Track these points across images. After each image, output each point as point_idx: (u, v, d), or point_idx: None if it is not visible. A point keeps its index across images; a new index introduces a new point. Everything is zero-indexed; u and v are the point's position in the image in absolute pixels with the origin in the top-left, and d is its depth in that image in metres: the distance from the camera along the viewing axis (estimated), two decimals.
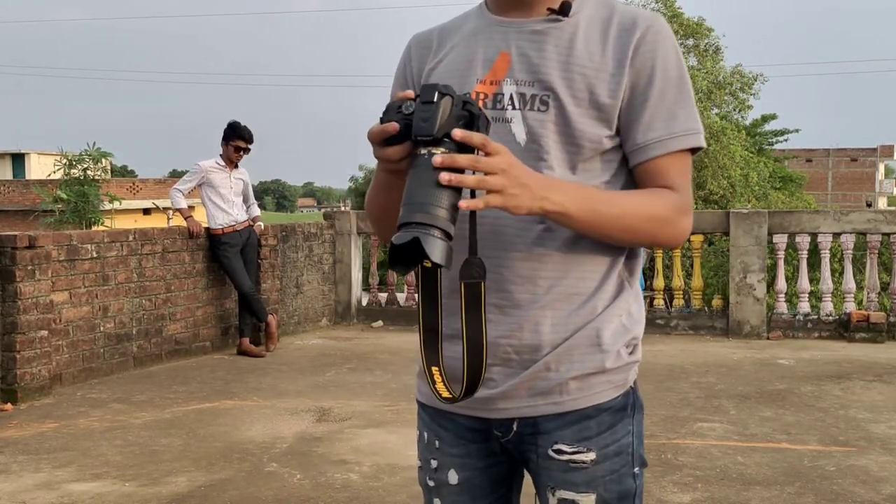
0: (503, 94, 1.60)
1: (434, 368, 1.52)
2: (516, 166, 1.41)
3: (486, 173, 1.37)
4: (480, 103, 1.58)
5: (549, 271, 1.58)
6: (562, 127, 1.57)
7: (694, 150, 1.62)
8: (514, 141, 1.57)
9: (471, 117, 1.40)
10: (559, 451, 1.61)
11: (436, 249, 1.32)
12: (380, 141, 1.44)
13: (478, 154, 1.39)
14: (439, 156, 1.35)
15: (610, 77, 1.57)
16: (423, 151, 1.37)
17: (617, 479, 1.62)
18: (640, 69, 1.57)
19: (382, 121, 1.43)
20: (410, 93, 1.43)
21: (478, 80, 1.62)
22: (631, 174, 1.63)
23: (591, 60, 1.57)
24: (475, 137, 1.37)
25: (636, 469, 1.65)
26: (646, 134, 1.58)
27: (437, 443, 1.71)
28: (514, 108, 1.59)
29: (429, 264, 1.40)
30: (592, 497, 1.61)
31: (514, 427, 1.63)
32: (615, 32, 1.59)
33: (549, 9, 1.61)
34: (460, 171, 1.36)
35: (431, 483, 1.73)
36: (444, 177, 1.34)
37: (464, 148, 1.37)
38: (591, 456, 1.61)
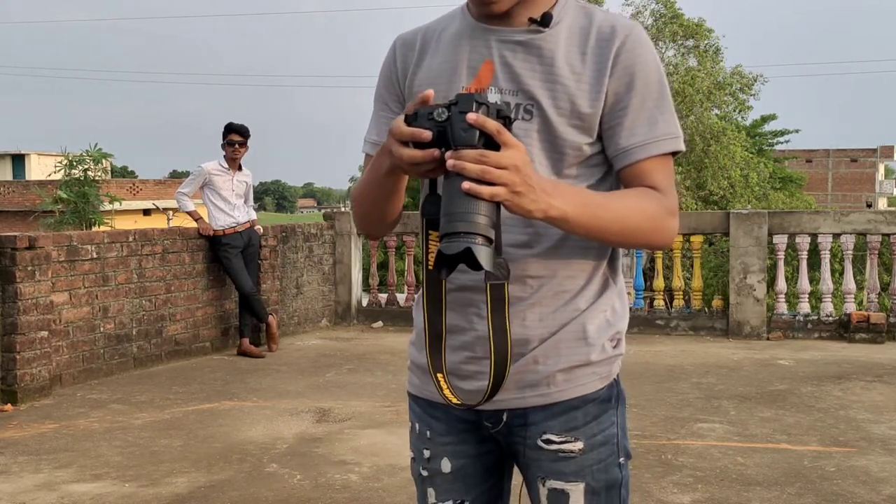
0: None
1: (439, 375, 1.55)
2: (528, 165, 1.42)
3: (495, 167, 1.37)
4: None
5: (539, 272, 1.63)
6: (545, 135, 1.62)
7: (674, 154, 1.68)
8: None
9: (505, 124, 1.43)
10: (548, 441, 1.66)
11: (484, 257, 1.36)
12: (403, 141, 1.45)
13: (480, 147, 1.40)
14: (451, 160, 1.38)
15: (590, 87, 1.61)
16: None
17: (604, 469, 1.67)
18: (620, 77, 1.61)
19: (409, 123, 1.44)
20: (431, 93, 1.45)
21: (463, 88, 1.65)
22: (616, 178, 1.67)
23: (572, 72, 1.62)
24: (489, 123, 1.39)
25: (621, 459, 1.70)
26: (629, 139, 1.62)
27: (428, 433, 1.75)
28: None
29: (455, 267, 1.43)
30: (581, 486, 1.65)
31: (504, 418, 1.67)
32: (594, 42, 1.63)
33: (530, 18, 1.64)
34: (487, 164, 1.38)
35: (425, 473, 1.76)
36: (465, 185, 1.37)
37: (492, 142, 1.40)
38: (579, 445, 1.65)
